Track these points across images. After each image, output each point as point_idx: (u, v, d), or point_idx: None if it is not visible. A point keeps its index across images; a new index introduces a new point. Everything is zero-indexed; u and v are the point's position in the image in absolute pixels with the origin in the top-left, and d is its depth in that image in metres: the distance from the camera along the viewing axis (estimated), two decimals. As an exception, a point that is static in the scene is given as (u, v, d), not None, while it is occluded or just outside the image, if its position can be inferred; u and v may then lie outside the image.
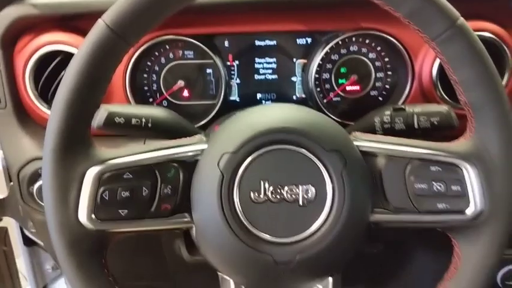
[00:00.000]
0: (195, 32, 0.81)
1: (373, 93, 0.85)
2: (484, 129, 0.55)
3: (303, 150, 0.55)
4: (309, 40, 0.84)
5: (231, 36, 0.84)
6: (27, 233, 1.10)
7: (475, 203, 0.55)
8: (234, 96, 0.86)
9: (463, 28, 0.53)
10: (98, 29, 0.52)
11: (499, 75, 0.55)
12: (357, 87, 0.85)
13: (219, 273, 0.61)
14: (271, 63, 0.85)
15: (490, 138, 0.55)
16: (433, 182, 0.56)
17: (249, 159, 0.55)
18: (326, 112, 0.83)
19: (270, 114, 0.58)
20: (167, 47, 0.82)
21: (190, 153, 0.57)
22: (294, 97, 0.86)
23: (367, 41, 0.82)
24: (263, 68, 0.85)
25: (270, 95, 0.86)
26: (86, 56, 0.52)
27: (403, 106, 0.70)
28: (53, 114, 0.53)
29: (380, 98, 0.85)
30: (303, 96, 0.86)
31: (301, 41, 0.84)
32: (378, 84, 0.84)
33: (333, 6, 0.80)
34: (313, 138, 0.55)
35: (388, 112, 0.71)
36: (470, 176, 0.55)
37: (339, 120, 0.82)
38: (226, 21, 0.82)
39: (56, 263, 1.19)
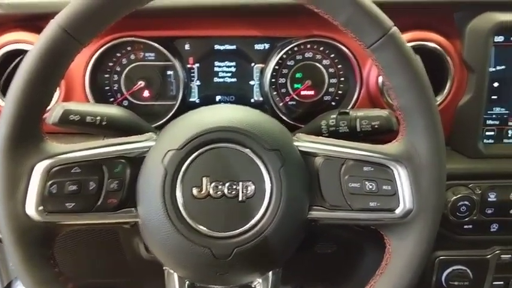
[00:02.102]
0: (156, 35, 0.84)
1: (327, 98, 0.88)
2: (413, 132, 0.59)
3: (244, 149, 0.58)
4: (267, 46, 0.87)
5: (191, 39, 0.87)
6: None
7: (404, 201, 0.59)
8: (194, 98, 0.89)
9: (395, 37, 0.56)
10: (50, 28, 0.55)
11: (429, 82, 0.59)
12: (311, 92, 0.88)
13: (164, 268, 0.63)
14: (230, 66, 0.88)
15: (419, 140, 0.59)
16: (366, 182, 0.60)
17: (192, 156, 0.58)
18: (281, 115, 0.86)
19: (214, 114, 0.61)
20: (128, 48, 0.85)
21: (137, 150, 0.60)
22: (252, 100, 0.89)
23: (321, 48, 0.86)
24: (222, 72, 0.88)
25: (229, 97, 0.89)
26: (38, 53, 0.55)
27: (347, 110, 0.74)
28: (5, 107, 0.55)
29: (333, 103, 0.88)
30: (261, 99, 0.89)
31: (259, 46, 0.87)
32: (331, 89, 0.88)
33: (288, 14, 0.83)
34: (254, 137, 0.58)
35: (333, 116, 0.74)
36: (400, 176, 0.59)
37: (294, 123, 0.86)
38: (187, 25, 0.85)
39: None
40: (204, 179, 0.57)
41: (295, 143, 0.62)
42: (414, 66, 0.58)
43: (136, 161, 0.60)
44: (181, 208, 0.57)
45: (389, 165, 0.59)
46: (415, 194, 0.59)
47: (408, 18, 0.81)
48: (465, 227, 0.82)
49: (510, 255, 0.88)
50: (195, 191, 0.57)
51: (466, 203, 0.78)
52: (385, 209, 0.60)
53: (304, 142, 0.62)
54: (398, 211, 0.59)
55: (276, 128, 0.62)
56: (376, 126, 0.72)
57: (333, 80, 0.88)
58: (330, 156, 0.61)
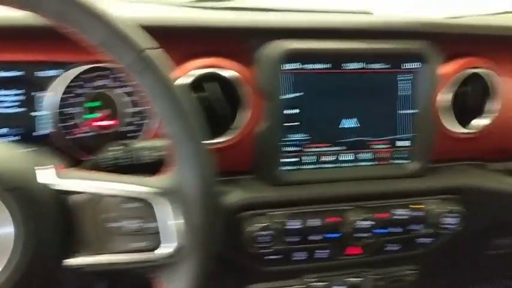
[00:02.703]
0: None
1: (126, 128, 0.81)
2: (182, 163, 0.54)
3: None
4: (54, 72, 0.78)
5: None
6: None
7: (172, 239, 0.54)
8: (-34, 132, 0.76)
9: (150, 60, 0.52)
10: None
11: (195, 110, 0.55)
12: (108, 123, 0.81)
13: None
14: (11, 95, 0.77)
15: (187, 172, 0.54)
16: (128, 220, 0.53)
17: None
18: (72, 148, 0.78)
19: None
20: None
21: None
22: (39, 133, 0.79)
23: (117, 75, 0.80)
24: (2, 101, 0.77)
25: (11, 130, 0.78)
26: None
27: (130, 141, 0.68)
28: None
29: (133, 134, 0.82)
30: (49, 131, 0.79)
31: (44, 73, 0.78)
32: (130, 119, 0.81)
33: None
34: None
35: (117, 147, 0.68)
36: (168, 211, 0.54)
37: (88, 156, 0.77)
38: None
39: None
40: None
41: (49, 181, 0.53)
42: (175, 92, 0.53)
43: None
44: None
45: (155, 200, 0.54)
46: (184, 231, 0.54)
47: (205, 44, 0.78)
48: (268, 257, 0.80)
49: (321, 284, 0.87)
50: None
51: (266, 232, 0.76)
52: (151, 249, 0.54)
53: (61, 179, 0.54)
54: (166, 250, 0.54)
55: (17, 163, 0.53)
56: (162, 156, 0.66)
57: (132, 110, 0.81)
58: (90, 193, 0.54)
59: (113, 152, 0.67)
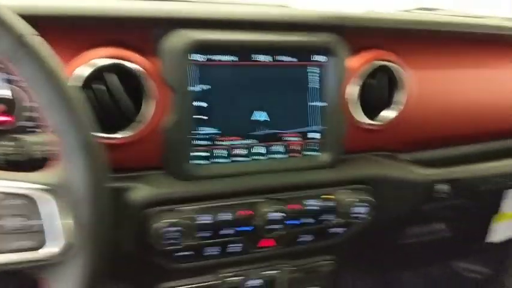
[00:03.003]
0: None
1: (27, 124, 0.77)
2: (68, 156, 0.52)
3: None
4: None
5: None
6: None
7: (57, 238, 0.51)
8: None
9: (30, 46, 0.49)
10: None
11: (80, 101, 0.52)
12: (5, 118, 0.76)
13: None
14: None
15: (74, 166, 0.52)
16: (10, 217, 0.50)
17: None
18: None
19: None
20: None
21: None
22: None
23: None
24: None
25: None
26: None
27: (22, 136, 0.64)
28: None
29: (36, 129, 0.77)
30: None
31: None
32: (31, 114, 0.77)
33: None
34: None
35: (8, 143, 0.64)
36: (53, 208, 0.51)
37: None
38: None
39: None
40: None
41: None
42: (58, 81, 0.50)
43: None
44: None
45: (38, 196, 0.51)
46: (72, 228, 0.51)
47: (107, 34, 0.75)
48: (179, 254, 0.78)
49: (236, 278, 0.87)
50: None
51: (174, 228, 0.73)
52: (36, 248, 0.51)
53: None
54: (51, 250, 0.51)
55: None
56: (54, 151, 0.63)
57: (31, 104, 0.77)
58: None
59: (3, 147, 0.63)
